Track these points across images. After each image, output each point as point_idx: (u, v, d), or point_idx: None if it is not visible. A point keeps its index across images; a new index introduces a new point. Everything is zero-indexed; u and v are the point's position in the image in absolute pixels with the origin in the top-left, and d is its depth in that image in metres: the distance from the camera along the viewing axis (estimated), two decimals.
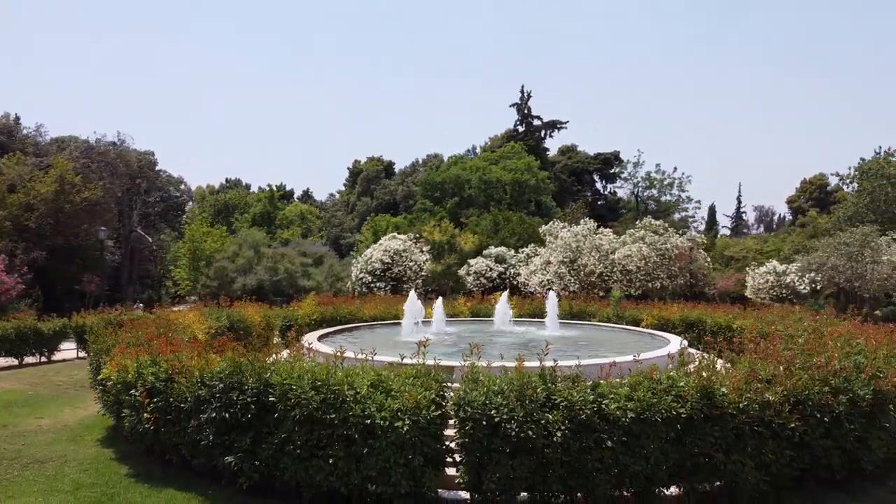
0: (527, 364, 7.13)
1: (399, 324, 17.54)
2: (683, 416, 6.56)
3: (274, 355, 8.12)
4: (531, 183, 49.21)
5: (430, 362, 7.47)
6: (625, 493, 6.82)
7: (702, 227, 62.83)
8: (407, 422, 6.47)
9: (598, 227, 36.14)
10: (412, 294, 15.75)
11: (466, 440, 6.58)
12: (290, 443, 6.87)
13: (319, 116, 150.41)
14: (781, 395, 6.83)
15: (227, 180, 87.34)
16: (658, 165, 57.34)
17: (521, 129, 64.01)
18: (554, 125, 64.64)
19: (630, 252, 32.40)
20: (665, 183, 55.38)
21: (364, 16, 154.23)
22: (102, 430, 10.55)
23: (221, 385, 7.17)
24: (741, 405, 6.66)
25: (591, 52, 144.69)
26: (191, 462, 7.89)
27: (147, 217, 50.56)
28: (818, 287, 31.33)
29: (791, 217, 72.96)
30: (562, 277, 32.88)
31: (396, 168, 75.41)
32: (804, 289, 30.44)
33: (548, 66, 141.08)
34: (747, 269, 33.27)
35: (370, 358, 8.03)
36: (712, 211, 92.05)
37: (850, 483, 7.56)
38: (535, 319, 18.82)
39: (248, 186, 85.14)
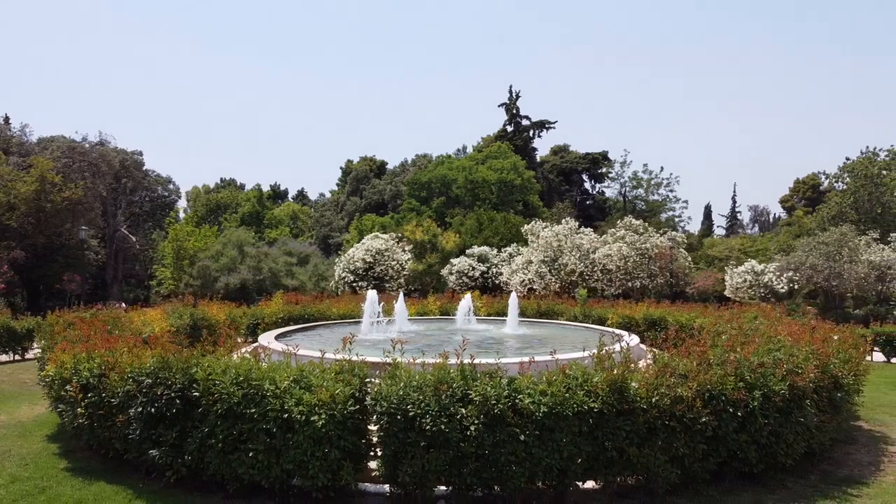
0: (452, 361, 7.27)
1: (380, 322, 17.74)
2: (595, 410, 6.70)
3: (233, 353, 8.25)
4: (517, 183, 49.37)
5: (356, 358, 7.59)
6: (541, 485, 6.97)
7: (690, 227, 63.06)
8: (323, 416, 6.61)
9: (580, 226, 36.34)
10: (370, 293, 15.90)
11: (383, 434, 6.72)
12: (212, 437, 6.99)
13: (315, 116, 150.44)
14: (694, 390, 6.98)
15: (221, 180, 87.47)
16: (645, 165, 57.66)
17: (509, 129, 64.22)
18: (542, 125, 64.81)
19: (610, 252, 32.62)
20: (652, 183, 55.59)
21: (362, 14, 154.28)
22: (53, 427, 10.64)
23: (149, 380, 7.29)
24: (653, 400, 6.81)
25: (586, 52, 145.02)
26: (124, 456, 8.01)
27: (133, 216, 50.62)
28: (795, 286, 31.55)
29: (786, 217, 73.32)
30: (542, 277, 33.07)
31: (389, 168, 75.59)
32: (782, 288, 30.68)
33: (542, 67, 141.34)
34: (726, 268, 33.47)
35: (319, 355, 8.16)
36: (708, 211, 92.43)
37: (767, 476, 7.72)
38: (502, 318, 18.96)
39: (242, 186, 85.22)
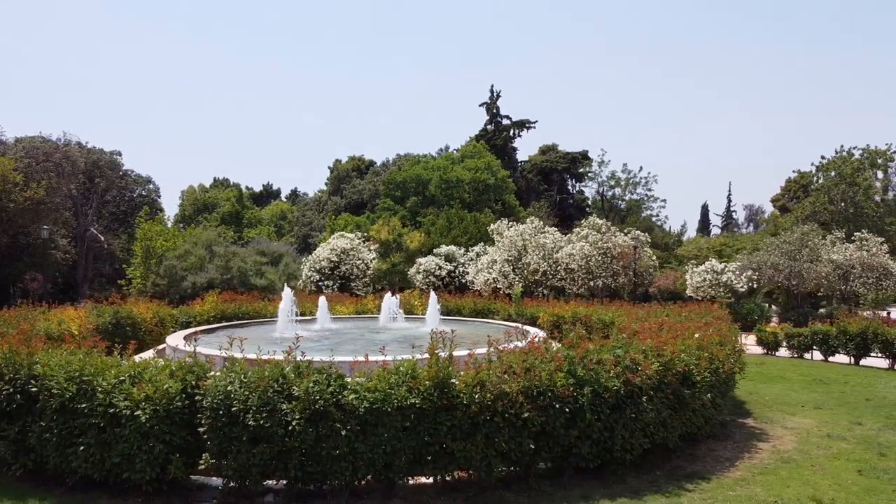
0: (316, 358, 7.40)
1: (305, 320, 17.95)
2: (416, 406, 6.84)
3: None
4: (490, 182, 49.49)
5: (212, 351, 7.73)
6: (368, 480, 7.10)
7: (668, 226, 63.23)
8: (147, 411, 6.75)
9: (557, 226, 36.49)
10: (286, 292, 16.06)
11: (208, 428, 6.86)
12: (49, 431, 7.13)
13: (310, 116, 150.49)
14: (520, 386, 7.11)
15: (215, 179, 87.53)
16: (624, 165, 57.82)
17: (490, 128, 64.34)
18: (523, 125, 64.90)
19: (573, 251, 32.75)
20: (630, 182, 55.75)
21: (357, 13, 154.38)
22: None
23: None
24: (475, 396, 6.95)
25: (576, 51, 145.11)
26: None
27: (110, 216, 50.68)
28: (755, 286, 31.71)
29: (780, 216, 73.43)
30: (506, 276, 33.21)
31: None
32: (741, 287, 30.82)
33: (530, 66, 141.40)
34: (685, 267, 33.62)
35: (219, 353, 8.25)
36: (705, 210, 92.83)
37: (608, 472, 7.86)
38: (446, 317, 19.14)
39: (237, 186, 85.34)
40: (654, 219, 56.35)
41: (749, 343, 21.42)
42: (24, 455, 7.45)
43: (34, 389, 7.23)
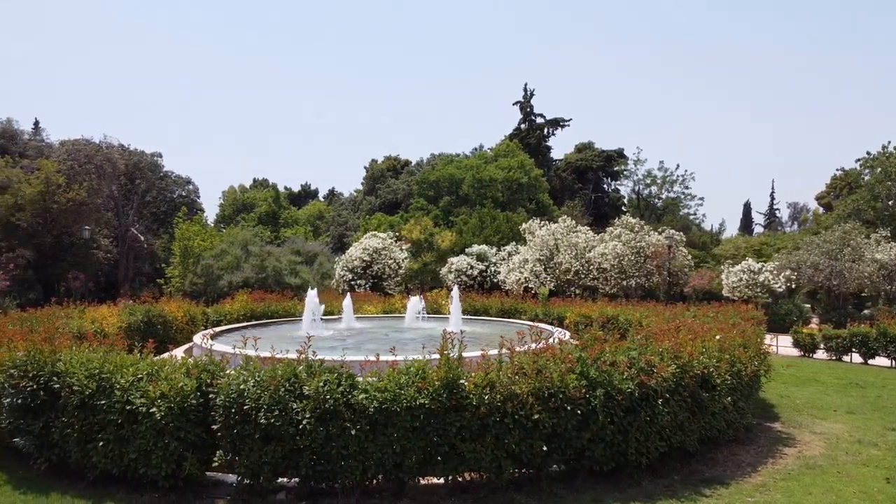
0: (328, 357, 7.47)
1: (332, 319, 18.16)
2: (425, 406, 6.84)
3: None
4: (523, 181, 49.27)
5: (226, 349, 7.85)
6: (378, 479, 7.14)
7: (706, 224, 62.08)
8: (162, 408, 6.89)
9: (578, 225, 36.18)
10: (310, 293, 16.19)
11: (221, 426, 6.97)
12: (70, 427, 7.34)
13: (348, 117, 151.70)
14: (530, 387, 7.05)
15: (254, 180, 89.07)
16: (661, 163, 56.84)
17: (524, 127, 64.04)
18: (557, 123, 64.45)
19: (605, 250, 32.43)
20: (667, 180, 54.90)
21: (395, 14, 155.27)
22: None
23: (16, 372, 7.67)
24: (484, 397, 6.91)
25: (615, 49, 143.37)
26: (7, 445, 8.42)
27: (151, 216, 51.92)
28: (793, 285, 30.92)
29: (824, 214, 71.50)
30: (538, 275, 33.05)
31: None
32: (780, 287, 30.09)
33: (565, 65, 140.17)
34: (722, 266, 32.96)
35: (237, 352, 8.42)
36: (747, 209, 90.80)
37: (623, 475, 7.74)
38: (470, 318, 19.14)
39: (274, 186, 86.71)
40: (691, 217, 55.41)
41: (786, 344, 20.92)
42: (48, 450, 7.70)
43: (56, 386, 7.45)
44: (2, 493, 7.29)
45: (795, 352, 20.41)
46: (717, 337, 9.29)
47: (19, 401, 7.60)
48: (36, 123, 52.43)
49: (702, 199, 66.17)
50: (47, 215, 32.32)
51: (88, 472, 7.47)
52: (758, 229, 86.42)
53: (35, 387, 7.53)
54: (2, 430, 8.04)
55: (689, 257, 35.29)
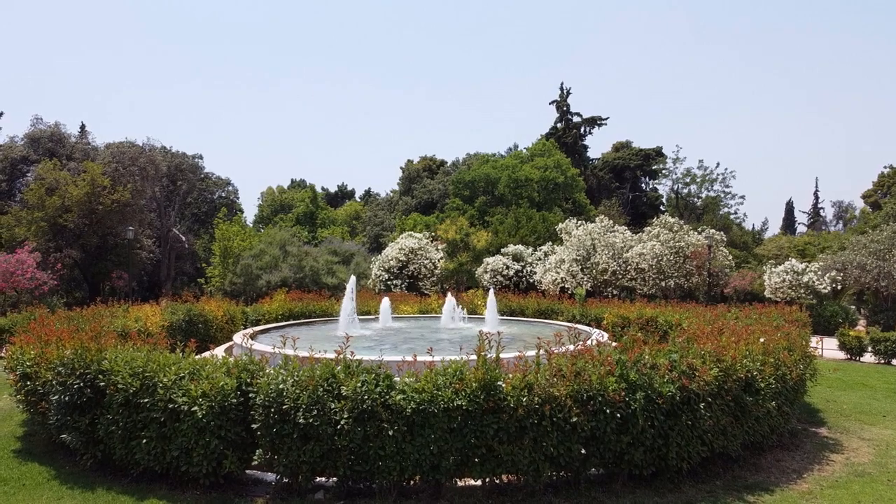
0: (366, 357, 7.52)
1: (369, 319, 18.27)
2: (463, 407, 6.81)
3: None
4: (560, 181, 48.84)
5: (266, 348, 7.95)
6: (416, 481, 7.14)
7: (747, 224, 60.71)
8: (204, 407, 6.99)
9: (615, 225, 35.74)
10: (348, 291, 16.28)
11: (260, 425, 7.04)
12: (114, 424, 7.51)
13: (385, 118, 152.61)
14: (568, 389, 6.97)
15: (292, 181, 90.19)
16: (700, 161, 55.47)
17: (560, 126, 63.53)
18: (594, 122, 63.73)
19: (643, 250, 31.97)
20: (706, 179, 53.78)
21: (430, 16, 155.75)
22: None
23: (63, 370, 7.88)
24: (522, 399, 6.86)
25: (653, 46, 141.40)
26: (55, 440, 8.66)
27: (192, 217, 52.96)
28: (839, 287, 30.05)
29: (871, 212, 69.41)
30: (574, 276, 32.73)
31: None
32: (824, 288, 29.27)
33: (603, 62, 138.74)
34: (764, 267, 32.20)
35: (271, 350, 8.56)
36: (790, 207, 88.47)
37: (663, 480, 7.61)
38: (502, 317, 19.05)
39: (311, 187, 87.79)
40: (731, 216, 54.10)
41: (831, 347, 20.34)
42: (94, 446, 7.89)
43: (102, 384, 7.63)
44: (49, 487, 7.49)
45: (842, 355, 19.84)
46: (762, 339, 9.06)
47: (66, 398, 7.80)
48: (82, 127, 53.89)
49: (742, 197, 64.60)
50: (93, 216, 33.15)
51: (132, 469, 7.63)
52: (801, 229, 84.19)
53: (81, 384, 7.73)
54: (50, 427, 8.27)
55: (730, 257, 34.57)
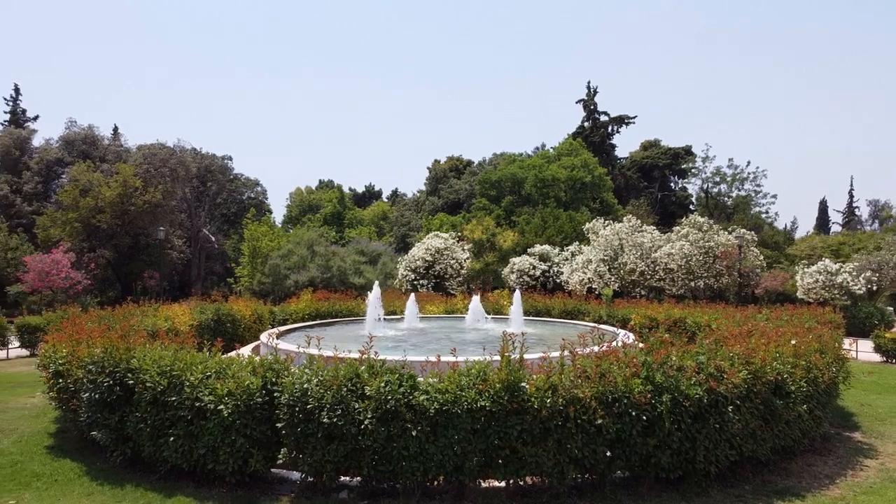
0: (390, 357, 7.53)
1: (395, 319, 18.31)
2: (486, 408, 6.78)
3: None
4: (587, 180, 48.47)
5: (291, 347, 8.00)
6: (439, 481, 7.13)
7: (784, 224, 59.61)
8: (229, 406, 7.06)
9: (643, 224, 35.36)
10: (373, 292, 16.33)
11: (285, 425, 7.09)
12: (143, 421, 7.63)
13: (412, 117, 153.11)
14: (593, 391, 6.90)
15: (320, 181, 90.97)
16: (730, 160, 54.61)
17: (587, 125, 63.07)
18: (622, 120, 63.14)
19: (672, 250, 31.58)
20: (737, 178, 52.97)
21: (457, 16, 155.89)
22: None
23: (93, 368, 8.03)
24: (546, 400, 6.80)
25: (681, 43, 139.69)
26: (86, 437, 8.83)
27: (221, 217, 53.66)
28: (874, 287, 29.35)
29: None
30: (602, 276, 32.47)
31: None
32: (859, 289, 28.60)
33: (631, 60, 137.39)
34: (796, 267, 31.58)
35: (296, 349, 8.65)
36: (823, 207, 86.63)
37: (690, 483, 7.49)
38: (531, 318, 18.97)
39: (339, 187, 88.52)
40: (763, 216, 53.23)
41: (866, 350, 19.89)
42: (123, 443, 8.03)
43: (131, 382, 7.75)
44: (80, 483, 7.63)
45: (877, 357, 19.37)
46: (793, 342, 8.88)
47: (97, 395, 7.95)
48: (115, 129, 55.01)
49: (774, 196, 63.45)
50: (125, 217, 33.81)
51: (160, 466, 7.74)
52: (835, 228, 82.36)
53: (111, 382, 7.87)
54: (81, 424, 8.44)
55: (761, 257, 33.95)
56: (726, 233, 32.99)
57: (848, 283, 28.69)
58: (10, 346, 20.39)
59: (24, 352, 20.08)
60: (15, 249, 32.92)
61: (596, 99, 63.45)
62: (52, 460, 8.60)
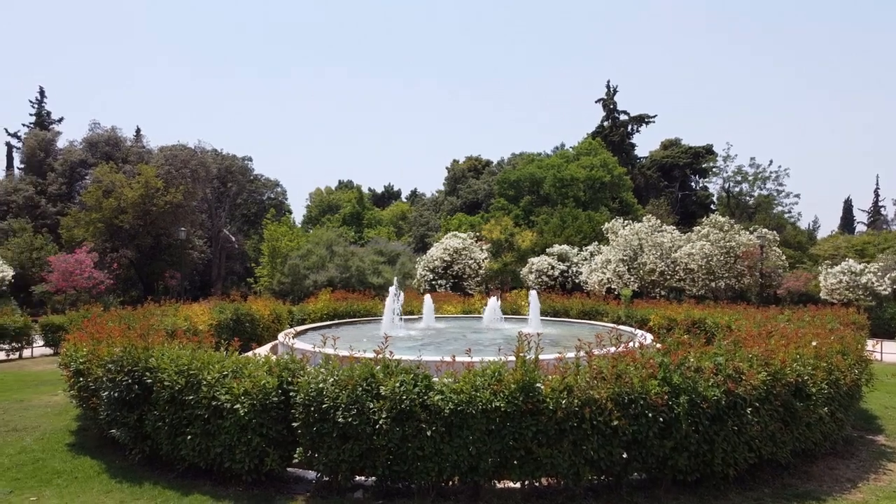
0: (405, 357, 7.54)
1: (412, 319, 18.34)
2: (501, 409, 6.75)
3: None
4: (606, 180, 48.15)
5: (307, 347, 8.03)
6: (454, 481, 7.11)
7: (808, 223, 58.77)
8: (246, 405, 7.11)
9: (663, 224, 35.05)
10: (392, 291, 16.36)
11: (300, 424, 7.12)
12: (161, 420, 7.70)
13: (431, 119, 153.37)
14: (609, 392, 6.85)
15: (339, 182, 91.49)
16: (752, 159, 53.80)
17: (606, 124, 62.68)
18: (641, 120, 62.65)
19: (692, 250, 31.28)
20: (759, 177, 52.25)
21: (475, 15, 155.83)
22: None
23: (113, 367, 8.13)
24: (561, 402, 6.76)
25: (702, 41, 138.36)
26: (105, 435, 8.93)
27: (241, 217, 54.11)
28: None
29: None
30: (621, 276, 32.25)
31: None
32: (885, 289, 28.13)
33: (651, 59, 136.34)
34: (819, 268, 31.11)
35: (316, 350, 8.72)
36: (848, 206, 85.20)
37: (708, 486, 7.41)
38: (549, 319, 18.89)
39: (358, 188, 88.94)
40: (786, 215, 52.46)
41: (892, 352, 19.56)
42: (142, 441, 8.12)
43: (149, 381, 7.83)
44: (100, 480, 7.73)
45: None
46: (814, 343, 8.74)
47: (116, 394, 8.04)
48: (137, 131, 55.68)
49: (797, 196, 62.45)
50: (147, 217, 34.23)
51: (178, 465, 7.81)
52: (860, 228, 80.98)
53: (130, 381, 7.95)
54: (101, 422, 8.55)
55: (783, 257, 33.51)
56: (748, 232, 32.62)
57: (873, 283, 28.24)
58: (34, 344, 20.77)
59: (48, 350, 20.45)
60: (40, 249, 33.55)
61: (615, 98, 63.09)
62: (72, 458, 8.72)
